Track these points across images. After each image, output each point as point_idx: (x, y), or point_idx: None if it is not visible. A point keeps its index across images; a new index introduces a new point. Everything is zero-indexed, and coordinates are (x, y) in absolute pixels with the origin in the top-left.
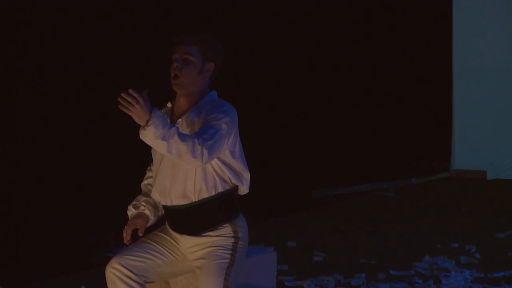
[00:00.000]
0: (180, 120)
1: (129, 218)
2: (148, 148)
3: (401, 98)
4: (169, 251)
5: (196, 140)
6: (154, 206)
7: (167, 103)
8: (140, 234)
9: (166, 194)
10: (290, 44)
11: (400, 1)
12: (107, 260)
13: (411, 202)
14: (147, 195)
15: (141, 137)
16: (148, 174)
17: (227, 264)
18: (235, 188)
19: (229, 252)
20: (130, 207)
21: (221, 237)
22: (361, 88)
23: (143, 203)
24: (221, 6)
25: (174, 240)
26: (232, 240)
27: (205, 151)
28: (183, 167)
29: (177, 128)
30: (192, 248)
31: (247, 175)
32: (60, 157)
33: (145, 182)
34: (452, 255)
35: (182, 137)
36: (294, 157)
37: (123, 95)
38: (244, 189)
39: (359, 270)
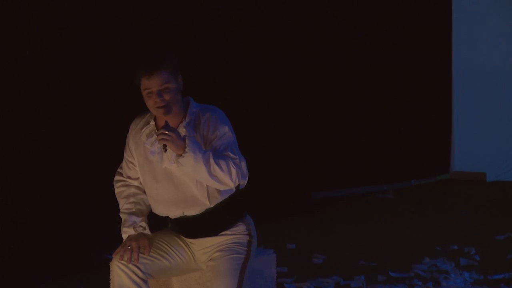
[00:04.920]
0: None
1: (125, 239)
2: None
3: (401, 99)
4: (177, 252)
5: (229, 162)
6: (147, 222)
7: (143, 114)
8: (147, 255)
9: (175, 208)
10: (291, 44)
11: (399, 2)
12: (106, 262)
13: (410, 204)
14: (138, 214)
15: (180, 166)
16: (126, 192)
17: (242, 259)
18: (239, 185)
19: (245, 248)
20: (126, 229)
21: (237, 235)
22: (360, 90)
23: (142, 224)
24: (221, 7)
25: (184, 243)
26: (247, 237)
27: (238, 171)
28: (188, 184)
29: (211, 151)
30: (207, 248)
31: (244, 170)
32: (59, 158)
33: (129, 201)
34: (451, 257)
35: (217, 160)
36: (294, 159)
37: (162, 130)
38: (245, 182)
39: (358, 272)
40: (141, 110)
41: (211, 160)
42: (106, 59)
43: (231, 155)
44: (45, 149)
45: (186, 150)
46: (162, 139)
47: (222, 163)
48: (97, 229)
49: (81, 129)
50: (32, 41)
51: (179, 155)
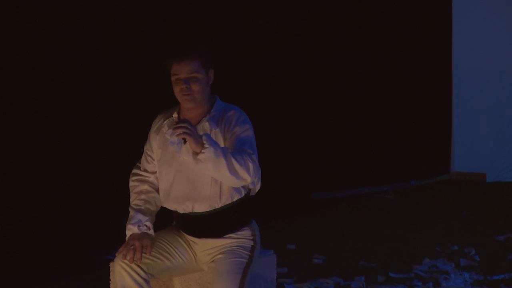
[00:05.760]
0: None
1: (128, 237)
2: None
3: (401, 100)
4: (179, 253)
5: (246, 156)
6: (152, 220)
7: (168, 110)
8: (149, 255)
9: (186, 202)
10: (291, 45)
11: (399, 2)
12: (106, 262)
13: (410, 204)
14: (146, 213)
15: (200, 164)
16: (139, 187)
17: (245, 264)
18: (249, 191)
19: (248, 253)
20: (131, 226)
21: (241, 239)
22: (361, 90)
23: (147, 224)
24: (224, 8)
25: (186, 243)
26: (252, 243)
27: (255, 167)
28: (202, 175)
29: (227, 147)
30: (210, 250)
31: (259, 173)
32: (60, 158)
33: (140, 198)
34: (451, 258)
35: (235, 154)
36: (294, 160)
37: (181, 124)
38: (257, 188)
39: (358, 272)
40: (145, 111)
41: (229, 155)
42: (108, 59)
43: (248, 150)
44: (45, 149)
45: (206, 145)
46: (184, 132)
47: (239, 157)
48: (97, 229)
49: (82, 129)
50: (30, 39)
51: (198, 153)
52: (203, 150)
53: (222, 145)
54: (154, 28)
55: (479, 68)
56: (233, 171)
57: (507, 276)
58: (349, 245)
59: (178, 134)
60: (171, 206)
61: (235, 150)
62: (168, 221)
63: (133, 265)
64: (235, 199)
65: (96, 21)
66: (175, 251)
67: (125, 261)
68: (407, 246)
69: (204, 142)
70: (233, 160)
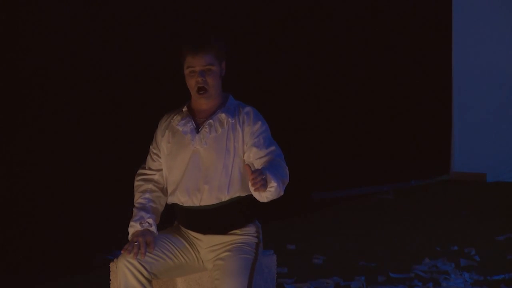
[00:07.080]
0: (211, 121)
1: (131, 234)
2: (147, 150)
3: (401, 100)
4: (181, 253)
5: (283, 165)
6: (156, 220)
7: (174, 109)
8: (152, 252)
9: (195, 193)
10: (290, 45)
11: (399, 2)
12: (106, 262)
13: (410, 204)
14: (149, 210)
15: (266, 199)
16: (143, 186)
17: (252, 260)
18: None
19: (253, 250)
20: (133, 223)
21: (246, 236)
22: (361, 90)
23: (150, 221)
24: (224, 6)
25: (188, 243)
26: (256, 240)
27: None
28: (214, 168)
29: (256, 147)
30: (215, 246)
31: None
32: (60, 158)
33: (144, 197)
34: (451, 258)
35: (280, 171)
36: (294, 159)
37: (258, 176)
38: None
39: (358, 272)
40: (147, 112)
41: (282, 178)
42: (112, 58)
43: (277, 151)
44: (45, 149)
45: (272, 184)
46: (262, 185)
47: (282, 172)
48: (97, 229)
49: (82, 129)
50: (31, 38)
51: (266, 190)
52: (269, 189)
53: (240, 136)
54: (157, 28)
55: (479, 68)
56: (283, 189)
57: (507, 276)
58: (349, 245)
59: (257, 189)
60: (179, 198)
61: (269, 154)
62: (169, 223)
63: (137, 265)
64: (243, 194)
65: (102, 19)
66: (177, 250)
67: (129, 260)
68: (407, 246)
69: (269, 181)
70: (285, 180)
